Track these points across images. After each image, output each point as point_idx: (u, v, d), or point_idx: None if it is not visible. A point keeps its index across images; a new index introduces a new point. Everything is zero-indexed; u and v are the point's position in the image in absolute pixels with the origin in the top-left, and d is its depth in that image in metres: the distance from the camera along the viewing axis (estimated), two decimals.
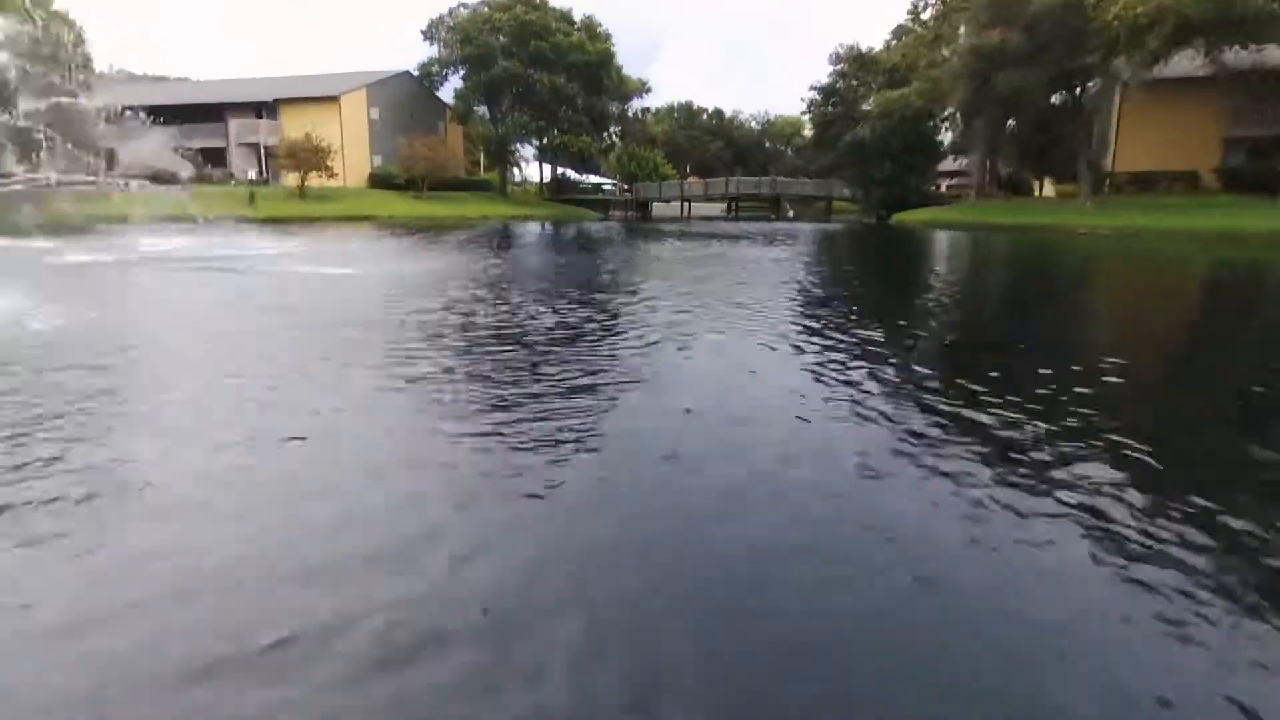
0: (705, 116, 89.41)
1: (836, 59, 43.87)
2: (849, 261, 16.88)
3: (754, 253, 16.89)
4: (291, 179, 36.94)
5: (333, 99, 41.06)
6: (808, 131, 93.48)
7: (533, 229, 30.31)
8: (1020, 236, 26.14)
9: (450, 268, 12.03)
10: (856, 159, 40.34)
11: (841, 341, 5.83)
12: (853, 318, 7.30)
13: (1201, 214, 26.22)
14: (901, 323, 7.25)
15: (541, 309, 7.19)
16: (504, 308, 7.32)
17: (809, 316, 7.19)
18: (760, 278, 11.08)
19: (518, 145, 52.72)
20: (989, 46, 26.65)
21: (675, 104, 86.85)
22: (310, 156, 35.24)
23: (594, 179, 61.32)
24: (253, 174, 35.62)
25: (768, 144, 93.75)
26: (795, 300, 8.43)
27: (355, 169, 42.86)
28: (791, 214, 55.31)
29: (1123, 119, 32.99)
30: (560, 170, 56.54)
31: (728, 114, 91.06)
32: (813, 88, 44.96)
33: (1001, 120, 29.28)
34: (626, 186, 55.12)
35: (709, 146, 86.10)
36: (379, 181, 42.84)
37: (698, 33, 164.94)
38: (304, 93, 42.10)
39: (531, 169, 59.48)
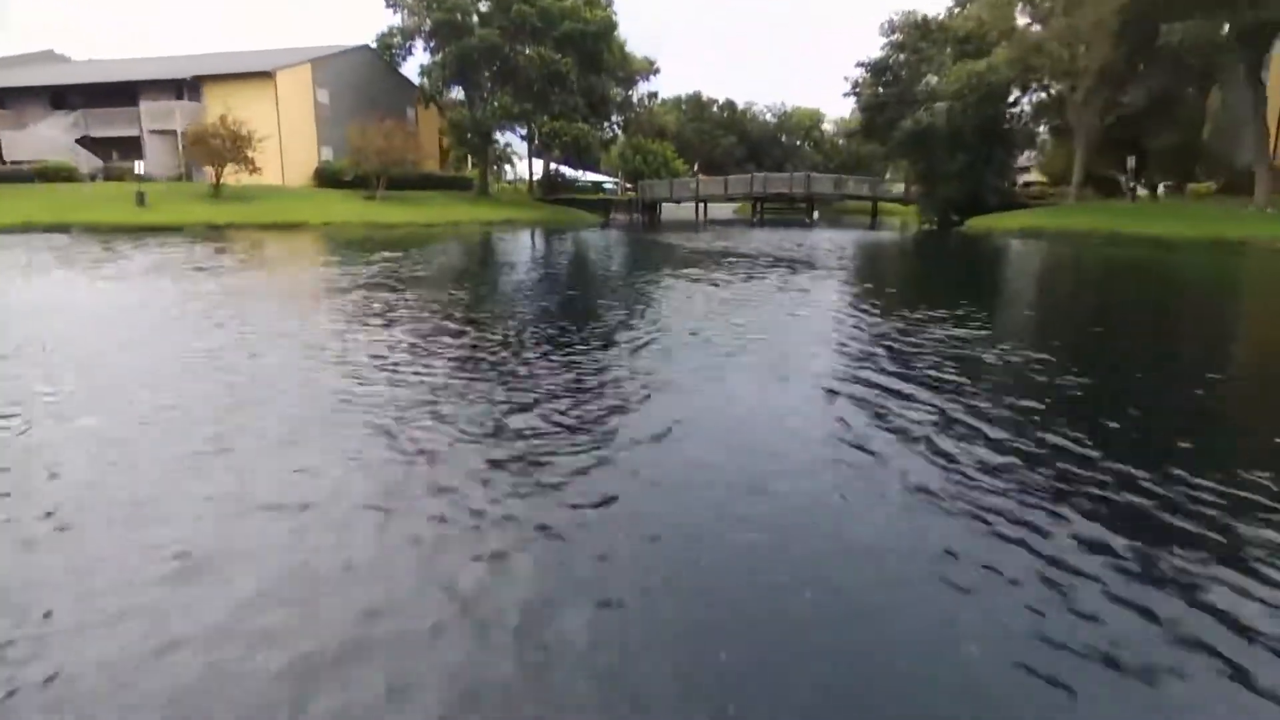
0: (716, 109, 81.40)
1: (890, 29, 35.62)
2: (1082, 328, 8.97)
3: (878, 326, 8.96)
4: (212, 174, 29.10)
5: (266, 75, 32.99)
6: (827, 126, 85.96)
7: (507, 246, 22.34)
8: (1199, 258, 18.19)
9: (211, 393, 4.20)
10: (918, 149, 32.29)
11: None
12: None
13: None
14: None
15: None
16: None
17: None
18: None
19: (505, 136, 44.70)
20: None
21: (683, 96, 78.95)
22: (225, 146, 27.36)
23: (593, 176, 53.40)
24: (140, 168, 27.66)
25: (784, 138, 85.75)
26: None
27: (299, 164, 34.89)
28: (816, 216, 47.18)
29: None
30: (553, 167, 48.45)
31: (740, 105, 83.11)
32: (860, 64, 36.76)
33: (1175, 89, 21.32)
34: (630, 185, 47.03)
35: (720, 141, 78.18)
36: (327, 179, 34.90)
37: (702, 26, 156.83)
38: (232, 69, 34.10)
39: (524, 166, 51.45)
